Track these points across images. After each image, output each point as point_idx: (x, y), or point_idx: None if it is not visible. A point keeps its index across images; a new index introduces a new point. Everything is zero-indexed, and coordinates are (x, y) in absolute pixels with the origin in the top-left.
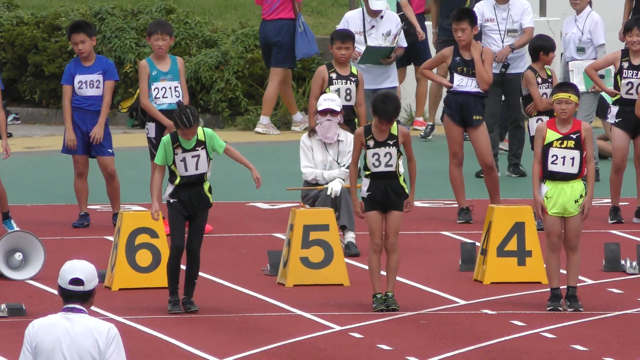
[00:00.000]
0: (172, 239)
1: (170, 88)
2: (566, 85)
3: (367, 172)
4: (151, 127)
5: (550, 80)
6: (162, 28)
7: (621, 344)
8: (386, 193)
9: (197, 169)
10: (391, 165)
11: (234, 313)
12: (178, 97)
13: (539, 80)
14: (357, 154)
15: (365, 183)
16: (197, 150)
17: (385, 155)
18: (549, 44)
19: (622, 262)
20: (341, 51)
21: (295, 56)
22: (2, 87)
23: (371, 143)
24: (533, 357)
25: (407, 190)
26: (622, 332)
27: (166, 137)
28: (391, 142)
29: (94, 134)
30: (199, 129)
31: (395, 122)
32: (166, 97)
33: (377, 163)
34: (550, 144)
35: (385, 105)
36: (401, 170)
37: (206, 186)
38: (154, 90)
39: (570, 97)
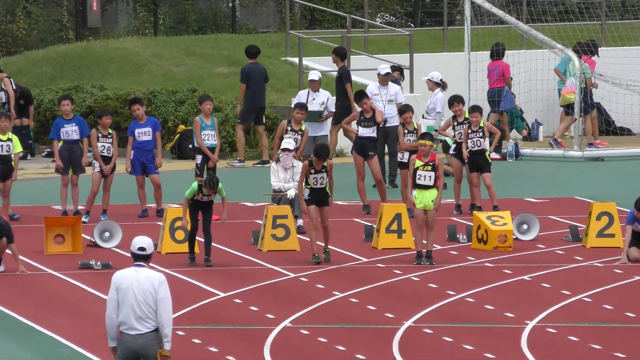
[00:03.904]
0: (191, 224)
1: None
2: (427, 135)
3: (308, 186)
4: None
5: (415, 131)
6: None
7: (459, 286)
8: (319, 197)
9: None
10: (323, 184)
11: (236, 266)
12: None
13: (406, 131)
14: (303, 177)
15: (306, 192)
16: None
17: (320, 178)
18: (407, 108)
19: (458, 235)
20: (298, 114)
21: (502, 107)
22: None
23: (312, 171)
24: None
25: (328, 194)
26: (462, 276)
27: (195, 184)
28: (323, 170)
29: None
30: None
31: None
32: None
33: (315, 182)
34: (418, 168)
35: (322, 151)
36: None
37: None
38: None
39: (426, 142)
